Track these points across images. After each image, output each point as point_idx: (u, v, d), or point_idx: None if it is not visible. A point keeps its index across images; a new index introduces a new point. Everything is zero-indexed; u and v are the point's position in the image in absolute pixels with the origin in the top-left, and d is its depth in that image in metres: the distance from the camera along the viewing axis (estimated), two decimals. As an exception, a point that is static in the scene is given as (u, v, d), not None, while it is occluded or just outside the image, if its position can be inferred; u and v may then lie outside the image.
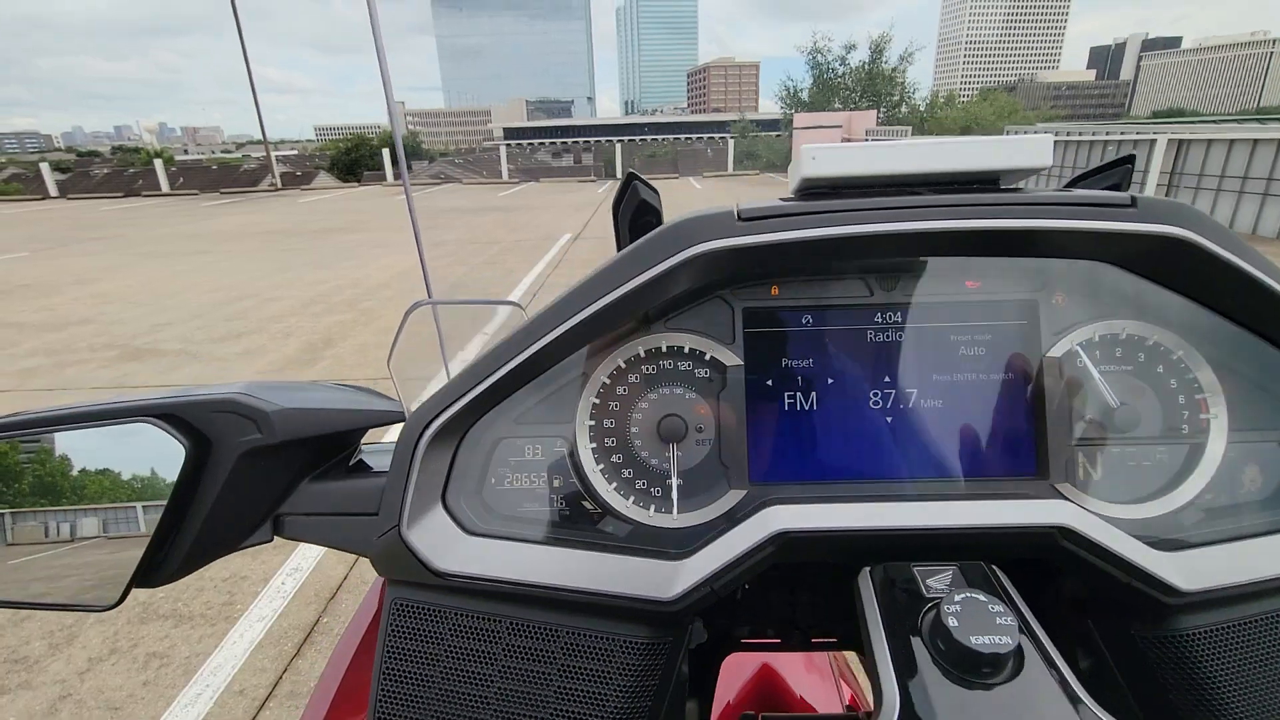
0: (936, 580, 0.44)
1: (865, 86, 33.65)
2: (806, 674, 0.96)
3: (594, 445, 0.53)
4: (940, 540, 0.47)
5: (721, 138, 36.29)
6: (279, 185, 26.27)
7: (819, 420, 0.52)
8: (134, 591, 0.55)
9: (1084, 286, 0.51)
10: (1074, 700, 0.35)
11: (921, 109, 34.02)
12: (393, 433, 0.54)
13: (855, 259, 0.50)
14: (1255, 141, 10.69)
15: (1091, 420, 0.51)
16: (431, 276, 1.20)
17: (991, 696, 0.36)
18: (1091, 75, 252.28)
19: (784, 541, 0.47)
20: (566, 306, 0.48)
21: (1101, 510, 0.49)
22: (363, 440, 0.66)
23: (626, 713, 0.48)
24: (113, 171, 30.67)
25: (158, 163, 26.98)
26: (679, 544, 0.51)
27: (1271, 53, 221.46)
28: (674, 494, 0.52)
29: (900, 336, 0.51)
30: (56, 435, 0.55)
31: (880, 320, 0.52)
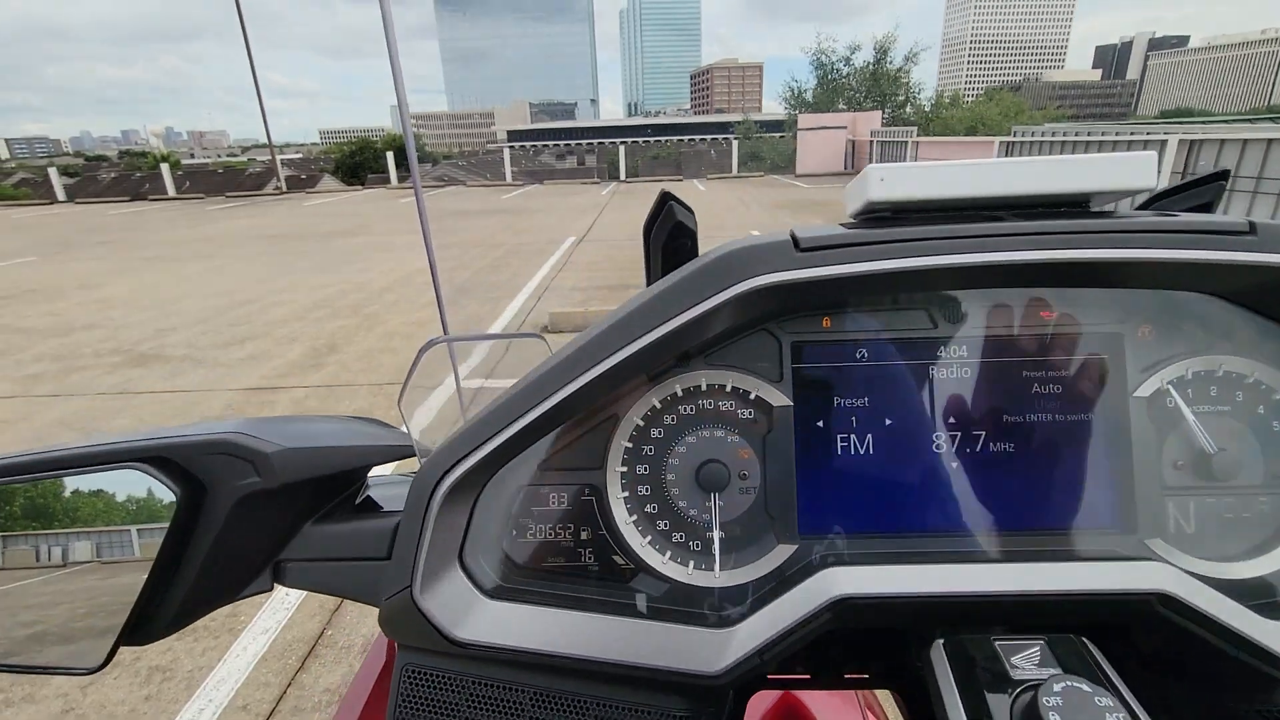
0: (1023, 658, 0.38)
1: (870, 87, 33.40)
2: (828, 701, 0.91)
3: (626, 494, 0.48)
4: (1024, 609, 0.42)
5: (725, 139, 36.21)
6: (284, 188, 26.32)
7: (876, 466, 0.47)
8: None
9: (1174, 318, 0.46)
10: None
11: (926, 109, 33.81)
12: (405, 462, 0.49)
13: (925, 291, 0.45)
14: (1270, 141, 10.56)
15: (1184, 467, 0.46)
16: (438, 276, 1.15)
17: None
18: (1097, 75, 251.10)
19: (844, 608, 0.41)
20: (601, 345, 0.42)
21: (1197, 569, 0.44)
22: (369, 473, 0.62)
23: None
24: (120, 176, 30.79)
25: (164, 167, 27.05)
26: (722, 606, 0.46)
27: None
28: (716, 549, 0.46)
29: (966, 373, 0.46)
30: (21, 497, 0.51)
31: (944, 355, 0.46)
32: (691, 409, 0.48)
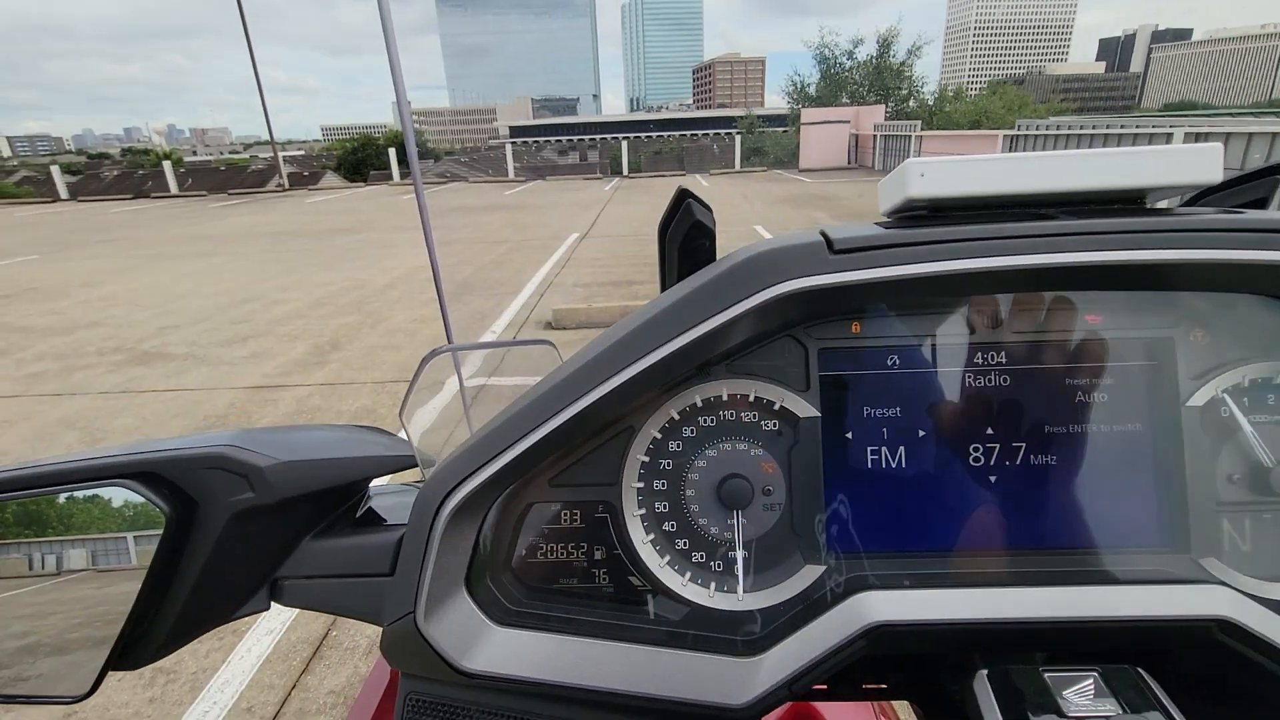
0: (1076, 692, 0.36)
1: (873, 81, 33.19)
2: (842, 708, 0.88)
3: (642, 511, 0.45)
4: (1072, 635, 0.39)
5: (728, 134, 36.06)
6: (286, 185, 26.29)
7: (910, 481, 0.44)
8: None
9: (1230, 321, 0.42)
10: None
11: (930, 103, 33.62)
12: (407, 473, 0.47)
13: (968, 295, 0.42)
14: (1274, 135, 10.48)
15: (1240, 481, 0.43)
16: (440, 273, 1.11)
17: None
18: (1101, 67, 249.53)
19: (879, 635, 0.39)
20: (619, 354, 0.39)
21: (1256, 590, 0.41)
22: (371, 483, 0.59)
23: None
24: (122, 173, 30.80)
25: (166, 164, 27.05)
26: (747, 631, 0.43)
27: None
28: (739, 570, 0.43)
29: (1005, 381, 0.43)
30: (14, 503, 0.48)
31: (981, 361, 0.43)
32: (712, 420, 0.45)
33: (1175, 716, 0.34)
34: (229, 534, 0.46)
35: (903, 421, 0.44)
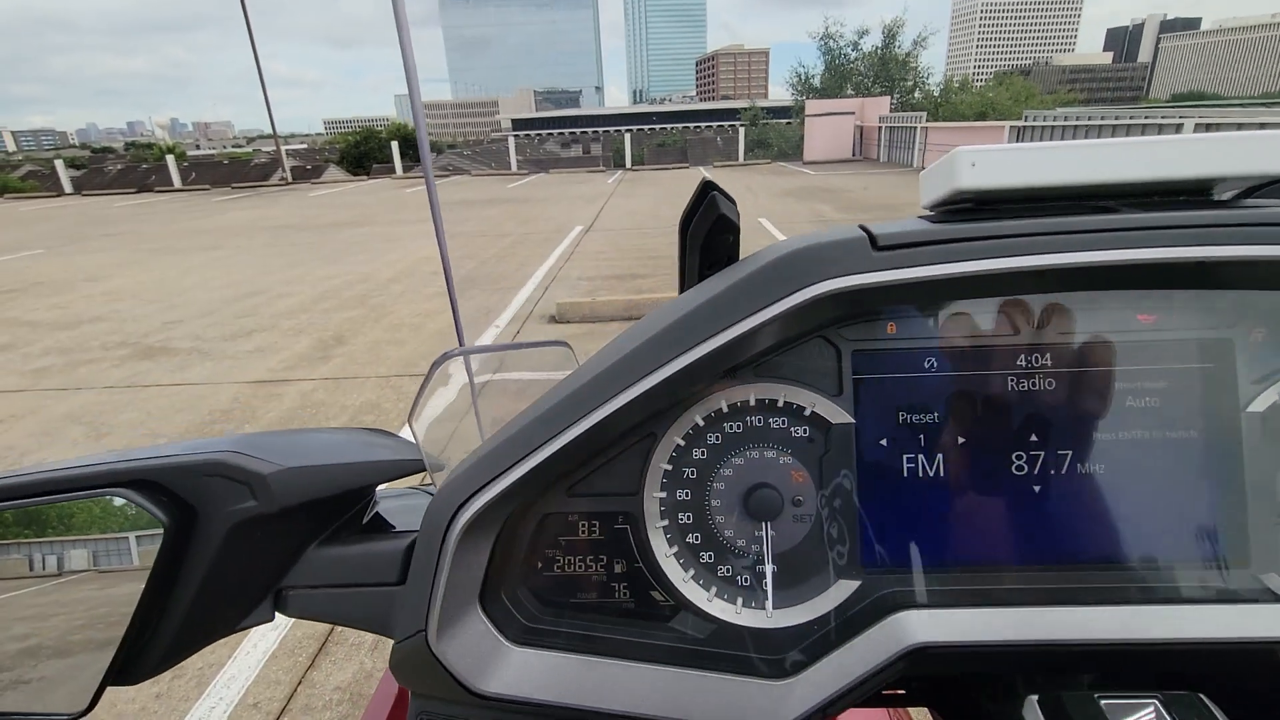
0: None
1: (878, 72, 32.92)
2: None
3: (665, 523, 0.43)
4: (1130, 659, 0.36)
5: (731, 126, 35.87)
6: (289, 179, 26.27)
7: (948, 490, 0.41)
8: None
9: None
10: None
11: (935, 94, 33.34)
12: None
13: (1020, 294, 0.39)
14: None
15: None
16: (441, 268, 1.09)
17: None
18: (1108, 58, 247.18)
19: (921, 657, 0.36)
20: (645, 357, 0.37)
21: None
22: (378, 488, 0.57)
23: None
24: (126, 167, 30.84)
25: (170, 158, 27.04)
26: (776, 650, 0.40)
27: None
28: (768, 585, 0.41)
29: (1050, 384, 0.41)
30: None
31: (1025, 364, 0.41)
32: (738, 426, 0.43)
33: None
34: (230, 544, 0.44)
35: (941, 427, 0.41)
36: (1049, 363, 0.41)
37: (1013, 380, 0.41)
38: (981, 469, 0.41)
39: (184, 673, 2.30)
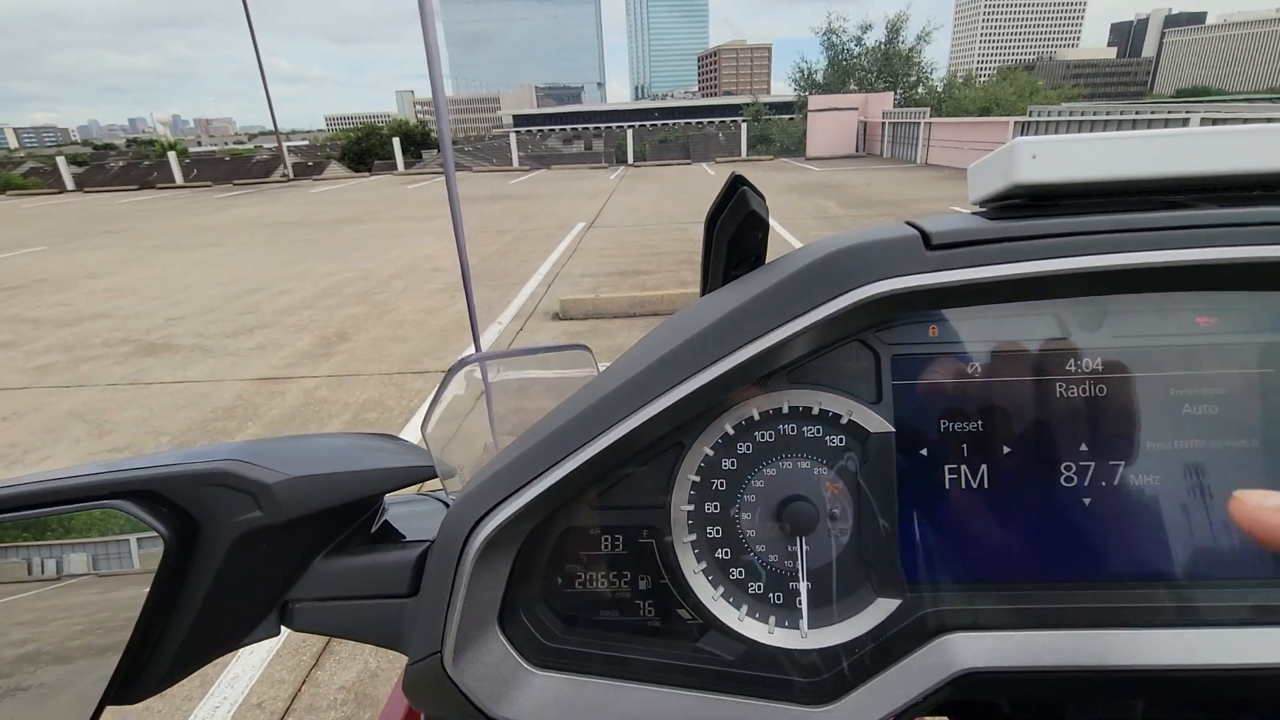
0: None
1: (882, 67, 32.77)
2: None
3: (693, 537, 0.40)
4: (1203, 686, 0.34)
5: (734, 121, 35.74)
6: (291, 176, 26.24)
7: (993, 503, 0.39)
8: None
9: None
10: None
11: (939, 90, 33.18)
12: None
13: (1082, 296, 0.37)
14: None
15: None
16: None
17: None
18: (1113, 53, 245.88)
19: (971, 683, 0.34)
20: (676, 365, 0.34)
21: None
22: (386, 495, 0.55)
23: None
24: (128, 164, 30.83)
25: (171, 155, 27.01)
26: (812, 674, 0.38)
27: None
28: (803, 603, 0.39)
29: (1102, 390, 0.38)
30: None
31: (1074, 369, 0.38)
32: (770, 436, 0.40)
33: None
34: (234, 557, 0.42)
35: (985, 436, 0.39)
36: (1100, 368, 0.38)
37: (1061, 386, 0.38)
38: (1028, 480, 0.39)
39: (188, 672, 2.29)
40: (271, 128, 25.61)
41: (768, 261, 0.43)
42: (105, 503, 0.41)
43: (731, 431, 0.40)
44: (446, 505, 0.55)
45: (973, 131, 18.31)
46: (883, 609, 0.39)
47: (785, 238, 8.72)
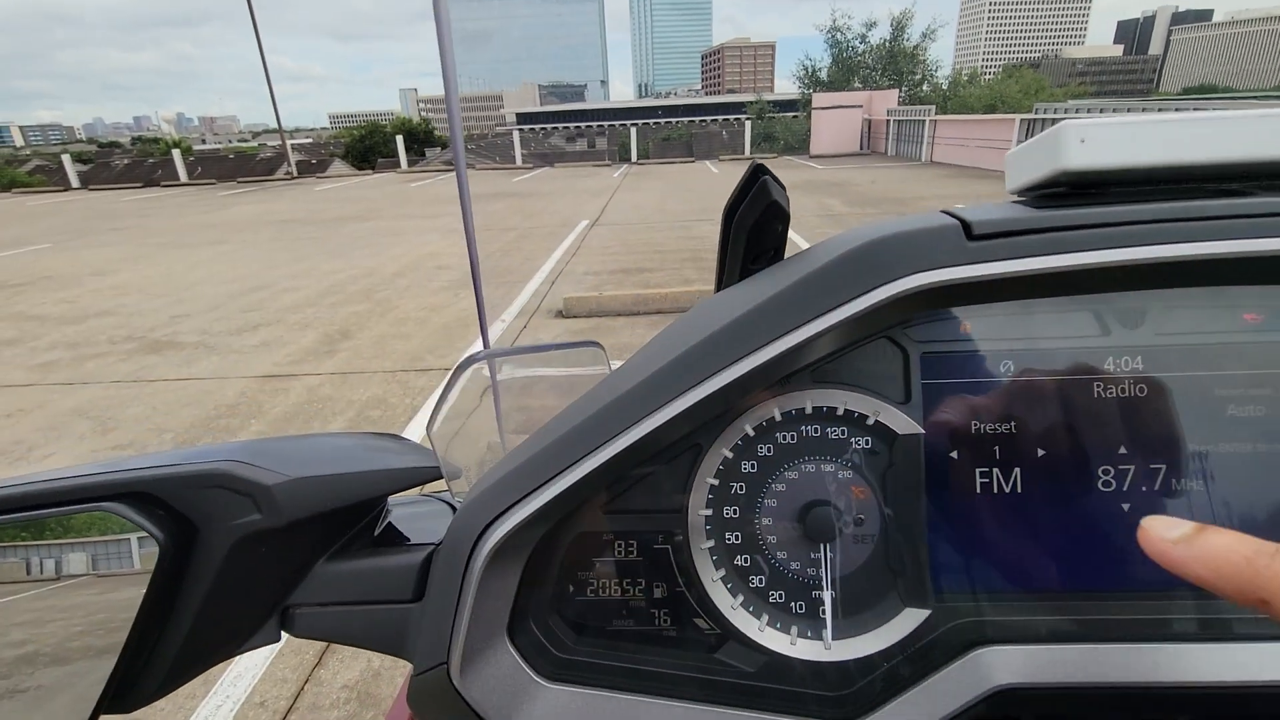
0: None
1: (886, 65, 32.63)
2: None
3: (711, 544, 0.38)
4: (1256, 703, 0.32)
5: (737, 119, 35.63)
6: (295, 173, 26.27)
7: (1028, 508, 0.37)
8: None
9: None
10: None
11: (944, 87, 33.02)
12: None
13: (1132, 288, 0.34)
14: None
15: None
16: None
17: None
18: (1119, 50, 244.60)
19: (1007, 700, 0.32)
20: (696, 363, 0.33)
21: None
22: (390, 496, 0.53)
23: None
24: (132, 162, 30.89)
25: (176, 153, 27.06)
26: (837, 687, 0.36)
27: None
28: (826, 613, 0.37)
29: (1142, 391, 0.36)
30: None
31: (1114, 369, 0.36)
32: (792, 437, 0.38)
33: None
34: (233, 561, 0.41)
35: (1019, 438, 0.37)
36: (1141, 367, 0.36)
37: (1099, 386, 0.36)
38: (1064, 485, 0.37)
39: (191, 670, 2.29)
40: (275, 125, 25.63)
41: (786, 257, 0.41)
42: (98, 505, 0.39)
43: (752, 433, 0.38)
44: (452, 507, 0.54)
45: (978, 129, 18.22)
46: (911, 620, 0.37)
47: (790, 236, 8.68)
